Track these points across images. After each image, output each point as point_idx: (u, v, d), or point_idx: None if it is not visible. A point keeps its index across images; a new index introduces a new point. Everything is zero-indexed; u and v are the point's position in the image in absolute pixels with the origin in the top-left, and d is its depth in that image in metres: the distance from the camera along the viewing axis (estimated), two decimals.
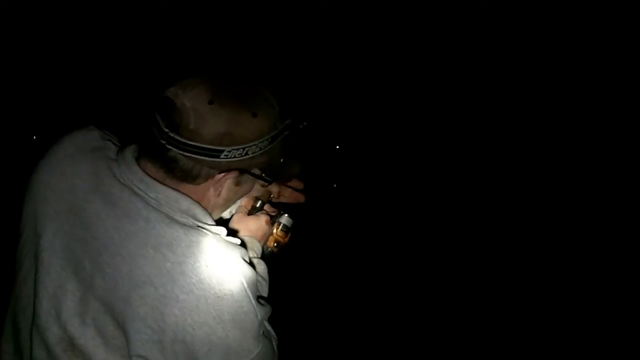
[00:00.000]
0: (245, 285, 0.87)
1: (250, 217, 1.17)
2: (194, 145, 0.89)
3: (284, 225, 1.23)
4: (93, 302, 0.86)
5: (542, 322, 3.47)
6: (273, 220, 1.23)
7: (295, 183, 1.29)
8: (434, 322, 3.46)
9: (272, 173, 1.03)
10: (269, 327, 0.98)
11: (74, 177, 0.94)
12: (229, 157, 0.90)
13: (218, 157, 0.90)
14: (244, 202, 1.20)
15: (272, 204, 1.28)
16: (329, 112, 5.12)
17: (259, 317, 0.88)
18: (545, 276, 3.91)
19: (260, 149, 0.94)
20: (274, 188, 1.22)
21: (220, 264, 0.86)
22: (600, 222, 4.29)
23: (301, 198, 1.30)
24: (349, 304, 3.37)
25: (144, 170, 0.94)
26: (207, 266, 0.84)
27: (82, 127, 1.06)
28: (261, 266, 1.08)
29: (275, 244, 1.23)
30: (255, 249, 1.12)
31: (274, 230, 1.22)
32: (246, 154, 0.92)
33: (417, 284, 3.74)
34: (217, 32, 4.89)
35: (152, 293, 0.82)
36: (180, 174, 0.93)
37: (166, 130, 0.89)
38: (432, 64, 5.18)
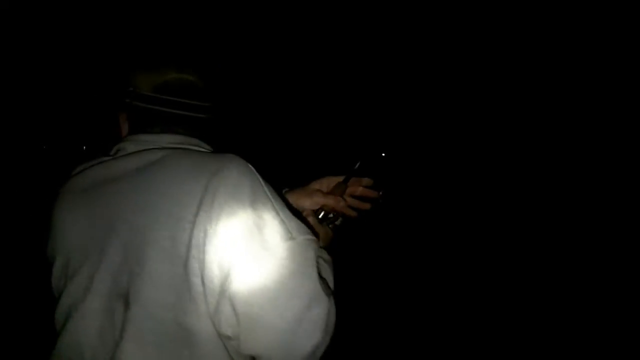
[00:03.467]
0: (262, 183, 0.92)
1: (318, 224, 1.16)
2: (212, 106, 1.08)
3: (336, 227, 1.20)
4: (135, 242, 0.90)
5: (542, 322, 3.49)
6: (328, 222, 1.20)
7: (364, 180, 1.24)
8: (441, 322, 3.48)
9: None
10: (328, 283, 0.96)
11: (84, 186, 1.00)
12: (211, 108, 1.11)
13: (211, 110, 1.09)
14: (306, 214, 1.18)
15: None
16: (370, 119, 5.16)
17: (282, 216, 0.90)
18: (546, 276, 3.94)
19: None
20: (338, 202, 1.18)
21: (238, 163, 0.92)
22: (600, 222, 4.32)
23: (373, 194, 1.24)
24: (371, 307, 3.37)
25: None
26: (225, 163, 0.91)
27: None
28: (324, 254, 1.08)
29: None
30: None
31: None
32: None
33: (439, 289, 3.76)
34: (219, 33, 4.87)
35: (184, 195, 0.89)
36: (200, 133, 1.06)
37: (188, 101, 1.03)
38: (433, 64, 5.19)
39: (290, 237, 0.89)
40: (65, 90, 4.96)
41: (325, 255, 1.07)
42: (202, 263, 0.86)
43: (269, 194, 0.91)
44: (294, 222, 0.92)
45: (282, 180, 1.29)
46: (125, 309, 0.89)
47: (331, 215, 1.19)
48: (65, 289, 0.97)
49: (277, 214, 0.90)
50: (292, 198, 1.20)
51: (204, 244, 0.86)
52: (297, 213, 1.03)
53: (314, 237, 0.94)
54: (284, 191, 1.21)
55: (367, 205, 1.23)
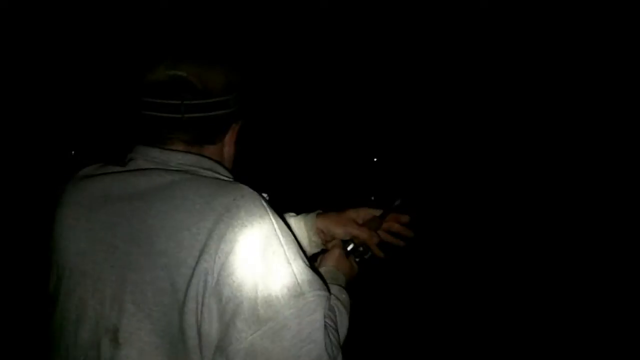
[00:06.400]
0: (275, 225, 0.84)
1: (345, 257, 1.11)
2: (210, 102, 0.93)
3: (364, 261, 1.16)
4: (130, 277, 0.84)
5: (543, 322, 3.49)
6: (356, 254, 1.16)
7: (403, 218, 1.20)
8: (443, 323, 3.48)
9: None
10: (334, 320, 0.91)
11: (89, 200, 0.93)
12: (234, 104, 0.97)
13: (229, 106, 0.96)
14: (335, 244, 1.14)
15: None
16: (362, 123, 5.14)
17: (293, 267, 0.83)
18: (547, 277, 3.93)
19: (244, 92, 1.01)
20: (372, 236, 1.13)
21: (248, 200, 0.83)
22: (600, 222, 4.32)
23: (409, 233, 1.20)
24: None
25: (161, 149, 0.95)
26: (234, 200, 0.83)
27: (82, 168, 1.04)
28: (343, 294, 1.03)
29: None
30: (339, 280, 1.08)
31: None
32: (241, 98, 0.99)
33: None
34: (217, 32, 4.88)
35: (187, 235, 0.81)
36: (203, 138, 0.96)
37: (178, 102, 0.91)
38: (432, 63, 5.19)
39: (299, 292, 0.81)
40: (94, 97, 4.94)
41: (344, 297, 1.01)
42: (199, 315, 0.80)
43: (281, 238, 0.84)
44: (306, 275, 0.84)
45: (316, 201, 1.23)
46: (115, 347, 0.84)
47: (361, 248, 1.15)
48: (59, 306, 0.93)
49: (289, 264, 0.83)
50: (325, 223, 1.16)
51: (203, 296, 0.79)
52: (312, 266, 0.94)
53: (325, 293, 0.86)
54: (317, 213, 1.18)
55: (400, 242, 1.19)
